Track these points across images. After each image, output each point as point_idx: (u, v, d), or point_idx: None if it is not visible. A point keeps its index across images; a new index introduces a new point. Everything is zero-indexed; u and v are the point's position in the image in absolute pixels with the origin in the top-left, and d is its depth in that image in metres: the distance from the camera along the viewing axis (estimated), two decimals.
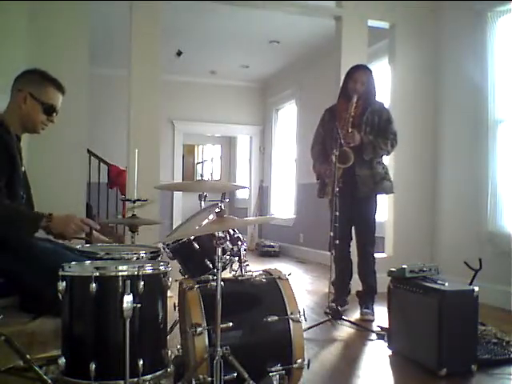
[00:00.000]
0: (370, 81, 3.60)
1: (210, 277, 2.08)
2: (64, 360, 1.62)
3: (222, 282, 1.84)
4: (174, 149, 8.53)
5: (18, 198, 2.08)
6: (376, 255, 3.69)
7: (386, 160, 3.76)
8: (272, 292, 2.07)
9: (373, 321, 3.49)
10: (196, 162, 12.16)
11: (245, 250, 2.32)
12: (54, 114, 2.16)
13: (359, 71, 3.60)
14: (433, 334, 2.44)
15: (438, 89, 4.89)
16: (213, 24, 5.97)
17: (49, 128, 2.24)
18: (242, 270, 2.26)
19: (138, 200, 2.92)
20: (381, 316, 3.46)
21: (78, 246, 2.24)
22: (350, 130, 3.44)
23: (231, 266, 2.31)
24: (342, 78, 3.79)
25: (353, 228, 3.70)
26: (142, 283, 1.63)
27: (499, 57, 4.26)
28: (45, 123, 2.16)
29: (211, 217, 2.21)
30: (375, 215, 3.66)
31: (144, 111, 4.11)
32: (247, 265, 2.29)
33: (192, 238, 2.26)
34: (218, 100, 8.57)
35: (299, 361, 1.96)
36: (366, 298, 3.66)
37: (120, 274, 1.63)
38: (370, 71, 3.65)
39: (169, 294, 1.83)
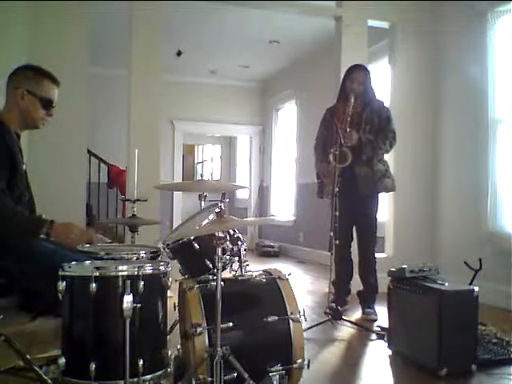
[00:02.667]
0: (367, 80, 3.61)
1: (210, 277, 2.08)
2: (64, 360, 1.62)
3: (222, 282, 1.84)
4: (174, 149, 8.53)
5: (21, 196, 2.08)
6: (376, 255, 3.69)
7: (387, 158, 3.76)
8: (272, 292, 2.07)
9: (376, 320, 3.50)
10: (196, 161, 12.16)
11: (245, 249, 2.32)
12: (52, 108, 2.16)
13: (356, 71, 3.61)
14: (433, 334, 2.44)
15: (438, 89, 4.89)
16: (213, 24, 5.97)
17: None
18: (241, 270, 2.26)
19: (138, 200, 2.92)
20: (381, 316, 3.46)
21: (77, 246, 2.24)
22: (348, 130, 3.44)
23: (231, 266, 2.31)
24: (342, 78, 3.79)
25: (354, 228, 3.71)
26: (142, 283, 1.63)
27: (499, 57, 4.26)
28: (44, 118, 2.16)
29: (211, 217, 2.21)
30: (376, 214, 3.66)
31: (144, 111, 4.10)
32: (247, 265, 2.29)
33: (192, 238, 2.26)
34: (218, 100, 8.56)
35: (299, 361, 1.96)
36: (368, 298, 3.66)
37: (120, 273, 1.63)
38: (368, 71, 3.66)
39: (169, 293, 1.83)
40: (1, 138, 1.99)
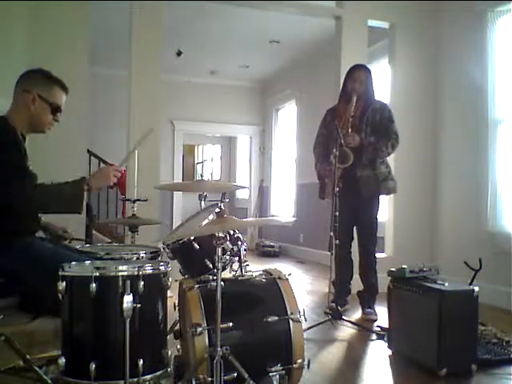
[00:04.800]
0: (368, 80, 3.60)
1: (210, 277, 2.08)
2: (64, 360, 1.62)
3: (222, 282, 1.84)
4: (174, 149, 8.53)
5: None
6: (376, 255, 3.69)
7: (387, 159, 3.75)
8: (272, 292, 2.07)
9: (376, 320, 3.50)
10: (196, 161, 12.16)
11: (245, 249, 2.33)
12: (59, 114, 2.18)
13: (358, 71, 3.60)
14: (433, 334, 2.44)
15: (438, 89, 4.89)
16: (213, 24, 5.97)
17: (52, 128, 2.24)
18: (241, 270, 2.26)
19: (138, 200, 2.92)
20: (381, 316, 3.46)
21: (77, 246, 2.24)
22: (349, 131, 3.45)
23: (231, 266, 2.32)
24: (342, 77, 3.79)
25: (354, 228, 3.71)
26: (142, 283, 1.63)
27: (499, 57, 4.26)
28: (51, 123, 2.19)
29: (211, 217, 2.21)
30: (377, 215, 3.66)
31: (144, 111, 4.10)
32: (247, 265, 2.30)
33: (192, 238, 2.26)
34: (218, 100, 8.57)
35: (299, 361, 1.96)
36: (368, 298, 3.66)
37: (120, 273, 1.63)
38: (369, 71, 3.65)
39: (169, 293, 1.83)
40: (12, 137, 2.01)
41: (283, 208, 8.24)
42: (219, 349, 1.77)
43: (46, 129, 2.20)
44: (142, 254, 2.14)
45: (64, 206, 1.96)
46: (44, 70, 2.18)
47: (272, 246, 7.64)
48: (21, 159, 2.01)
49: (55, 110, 2.15)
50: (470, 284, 2.88)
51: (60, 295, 1.64)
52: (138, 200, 2.92)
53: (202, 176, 2.21)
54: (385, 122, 3.59)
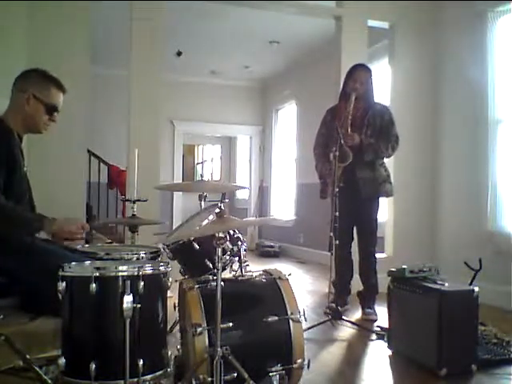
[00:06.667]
0: (369, 81, 3.60)
1: (210, 277, 2.08)
2: (64, 360, 1.62)
3: (222, 282, 1.84)
4: (174, 149, 8.53)
5: (21, 199, 2.08)
6: (376, 255, 3.69)
7: (387, 160, 3.76)
8: (272, 292, 2.07)
9: (376, 320, 3.50)
10: (196, 162, 12.16)
11: (245, 250, 2.33)
12: (56, 114, 2.17)
13: (359, 71, 3.60)
14: (433, 334, 2.44)
15: (438, 89, 4.89)
16: (213, 24, 5.97)
17: (49, 127, 2.24)
18: (241, 270, 2.26)
19: (138, 200, 2.92)
20: (381, 316, 3.46)
21: (77, 246, 2.24)
22: (349, 131, 3.44)
23: (231, 266, 2.32)
24: (342, 78, 3.79)
25: (354, 228, 3.71)
26: (142, 283, 1.63)
27: (499, 57, 4.26)
28: (47, 123, 2.17)
29: (211, 217, 2.21)
30: (377, 216, 3.66)
31: (144, 111, 4.10)
32: (247, 265, 2.30)
33: (192, 238, 2.26)
34: (218, 100, 8.56)
35: (299, 361, 1.96)
36: (368, 298, 3.66)
37: (120, 274, 1.63)
38: (370, 71, 3.65)
39: (169, 294, 1.83)
40: (2, 138, 2.00)
41: (283, 208, 8.24)
42: (219, 349, 1.77)
43: (42, 129, 2.18)
44: (142, 255, 2.14)
45: (17, 222, 1.93)
46: (40, 70, 2.17)
47: (272, 246, 7.64)
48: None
49: (51, 109, 2.14)
50: (470, 284, 2.87)
51: (60, 295, 1.64)
52: (138, 200, 2.93)
53: (202, 176, 2.21)
54: (385, 124, 3.59)
